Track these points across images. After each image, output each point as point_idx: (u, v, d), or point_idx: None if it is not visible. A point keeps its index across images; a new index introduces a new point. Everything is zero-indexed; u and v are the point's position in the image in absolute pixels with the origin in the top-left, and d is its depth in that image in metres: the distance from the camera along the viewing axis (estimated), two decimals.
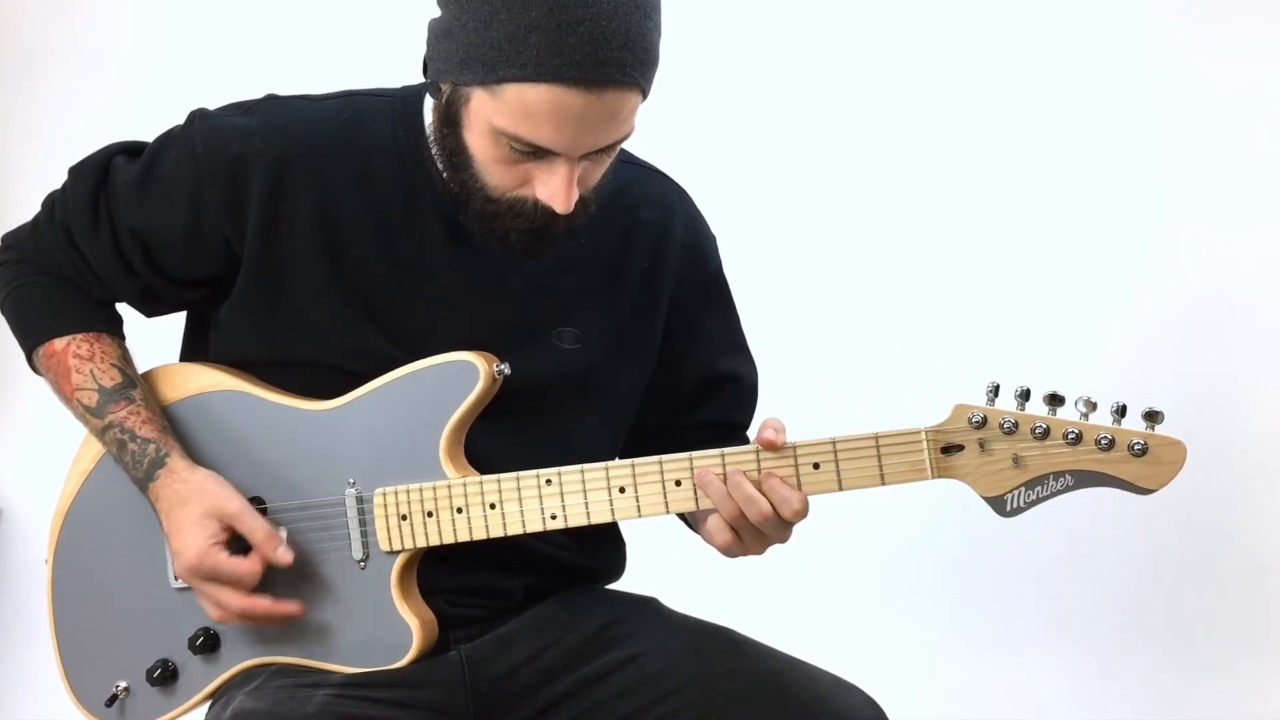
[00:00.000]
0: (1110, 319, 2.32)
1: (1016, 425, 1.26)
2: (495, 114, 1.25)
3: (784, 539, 1.35)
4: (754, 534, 1.34)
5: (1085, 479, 1.26)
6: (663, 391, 1.55)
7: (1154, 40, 2.31)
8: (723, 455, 1.33)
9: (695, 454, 1.34)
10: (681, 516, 1.54)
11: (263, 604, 1.38)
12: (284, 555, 1.37)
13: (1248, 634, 2.30)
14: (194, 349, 1.54)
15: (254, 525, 1.38)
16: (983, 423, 1.27)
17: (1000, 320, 2.35)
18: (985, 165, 2.37)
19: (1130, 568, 2.33)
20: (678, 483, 1.34)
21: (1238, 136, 2.27)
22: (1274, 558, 2.28)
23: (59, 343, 1.47)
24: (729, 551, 1.38)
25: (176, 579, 1.45)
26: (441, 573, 1.42)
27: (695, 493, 1.34)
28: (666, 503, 1.35)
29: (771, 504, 1.30)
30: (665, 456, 1.35)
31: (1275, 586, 2.28)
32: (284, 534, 1.39)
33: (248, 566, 1.36)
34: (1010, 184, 2.36)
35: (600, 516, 1.36)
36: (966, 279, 2.37)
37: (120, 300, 1.52)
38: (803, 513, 1.31)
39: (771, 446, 1.31)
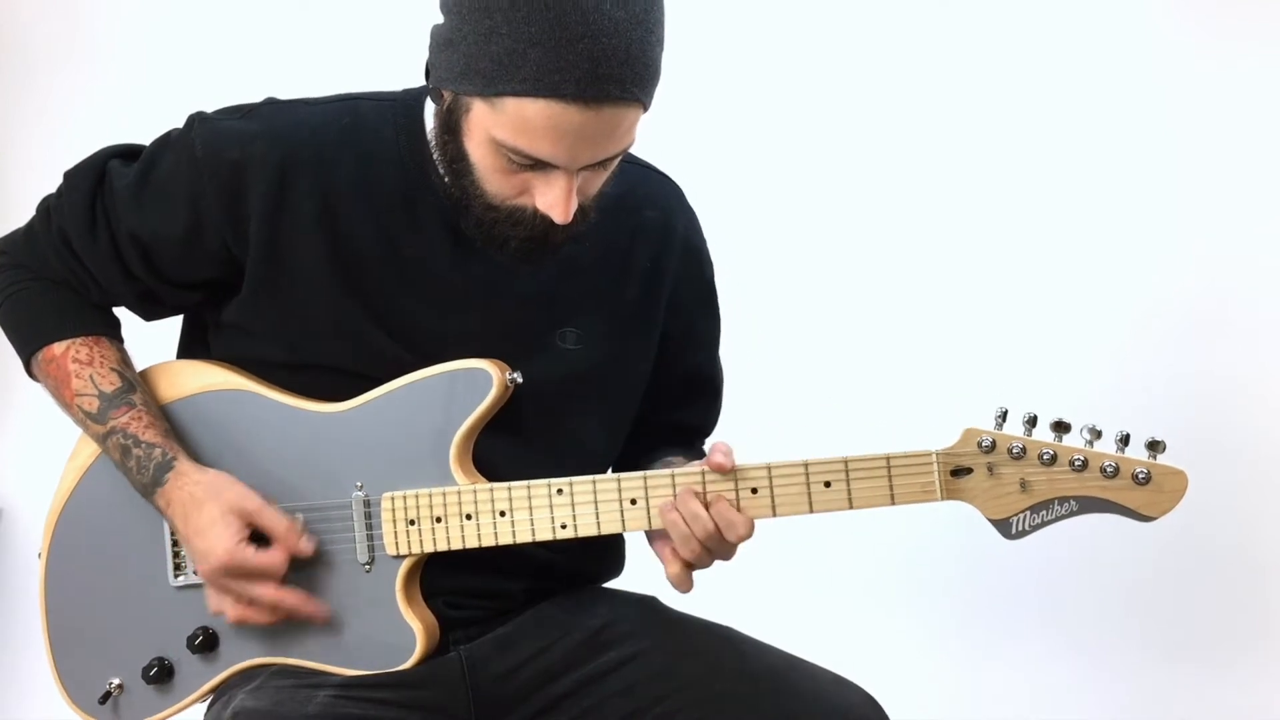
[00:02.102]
0: (1114, 326, 2.33)
1: (1024, 450, 1.29)
2: (494, 126, 1.25)
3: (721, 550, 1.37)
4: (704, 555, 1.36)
5: (1089, 504, 1.30)
6: (650, 390, 1.56)
7: (1156, 45, 2.32)
8: (735, 470, 1.34)
9: (707, 467, 1.34)
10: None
11: (294, 597, 1.38)
12: (306, 545, 1.38)
13: (1248, 634, 2.34)
14: (191, 351, 1.52)
15: (274, 519, 1.38)
16: (992, 447, 1.30)
17: (1007, 338, 2.36)
18: (992, 183, 2.37)
19: (1130, 567, 2.36)
20: None
21: (1238, 142, 2.28)
22: (1274, 558, 2.31)
23: (58, 348, 1.45)
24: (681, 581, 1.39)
25: (178, 577, 1.44)
26: (441, 575, 1.43)
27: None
28: None
29: (718, 527, 1.33)
30: (679, 470, 1.36)
31: (1275, 587, 2.32)
32: (301, 522, 1.40)
33: (276, 558, 1.37)
34: (1017, 200, 2.36)
35: (611, 527, 1.37)
36: (974, 300, 2.38)
37: (118, 304, 1.50)
38: (746, 536, 1.34)
39: (721, 470, 1.33)
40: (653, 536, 1.44)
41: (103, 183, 1.44)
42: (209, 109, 1.44)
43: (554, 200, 1.29)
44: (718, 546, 1.35)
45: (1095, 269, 2.34)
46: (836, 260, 2.43)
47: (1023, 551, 2.32)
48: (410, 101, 1.43)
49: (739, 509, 1.34)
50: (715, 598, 1.58)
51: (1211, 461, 2.20)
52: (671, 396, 1.58)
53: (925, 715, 2.27)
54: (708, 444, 1.62)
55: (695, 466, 1.36)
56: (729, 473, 1.34)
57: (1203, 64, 2.30)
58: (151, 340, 1.56)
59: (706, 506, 1.34)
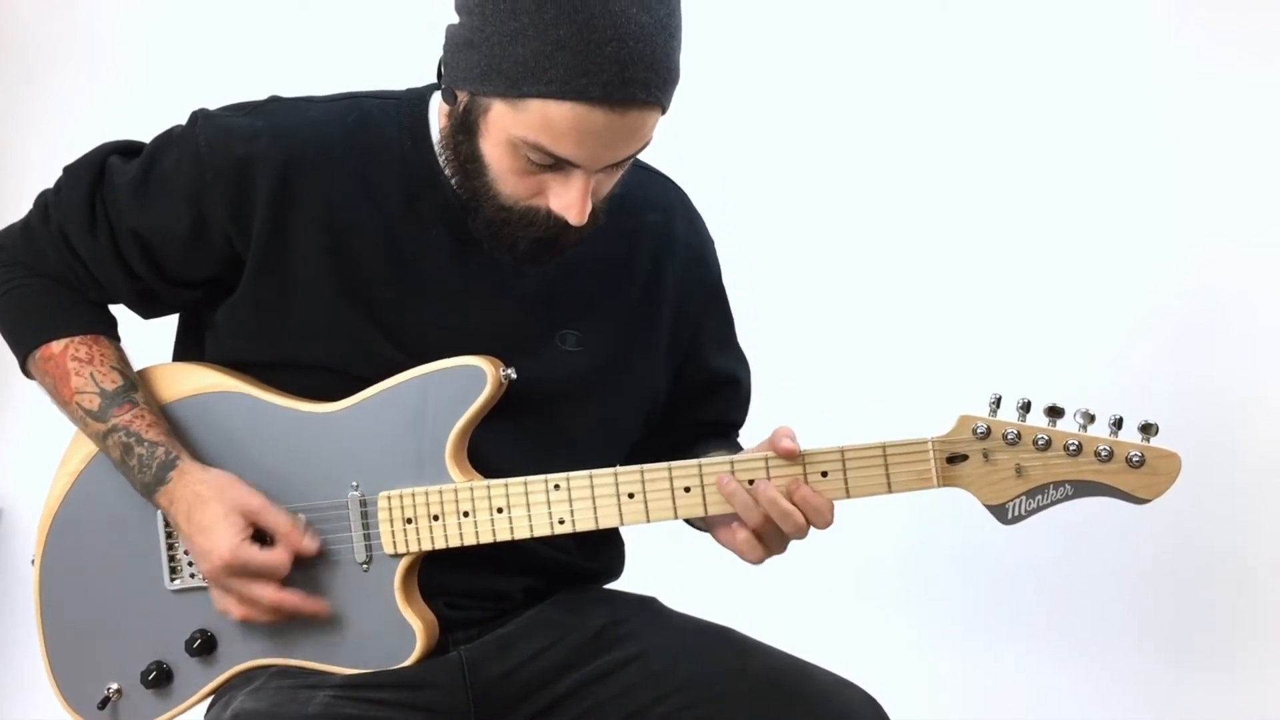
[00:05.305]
0: (1112, 326, 2.33)
1: (1019, 436, 1.29)
2: (516, 125, 1.25)
3: (802, 537, 1.36)
4: (779, 539, 1.36)
5: (1084, 489, 1.30)
6: (673, 397, 1.56)
7: (1156, 45, 2.32)
8: (732, 463, 1.35)
9: (704, 460, 1.35)
10: (688, 520, 1.55)
11: (294, 598, 1.38)
12: (310, 544, 1.38)
13: (1247, 634, 2.33)
14: (187, 350, 1.52)
15: (278, 518, 1.38)
16: (987, 433, 1.30)
17: (1002, 331, 2.36)
18: (989, 176, 2.37)
19: (1130, 568, 2.35)
20: (686, 489, 1.35)
21: (1237, 143, 2.29)
22: (1272, 558, 2.31)
23: (56, 346, 1.45)
24: (753, 558, 1.37)
25: (174, 581, 1.44)
26: (441, 575, 1.43)
27: (704, 499, 1.35)
28: (675, 509, 1.36)
29: (805, 515, 1.32)
30: (674, 463, 1.36)
31: (1274, 587, 2.31)
32: (304, 521, 1.40)
33: (279, 557, 1.36)
34: (1014, 194, 2.36)
35: (609, 521, 1.37)
36: (969, 290, 2.38)
37: (117, 302, 1.50)
38: (832, 522, 1.33)
39: (790, 455, 1.32)
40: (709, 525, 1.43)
41: (103, 179, 1.44)
42: (211, 107, 1.44)
43: (570, 201, 1.29)
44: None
45: (1093, 270, 2.34)
46: (833, 254, 2.43)
47: (1024, 553, 2.35)
48: (415, 100, 1.43)
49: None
50: (715, 598, 1.58)
51: (1211, 463, 2.21)
52: (695, 399, 1.58)
53: (927, 717, 2.26)
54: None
55: (723, 459, 1.35)
56: (795, 458, 1.32)
57: (1202, 65, 2.30)
58: (148, 341, 1.56)
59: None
